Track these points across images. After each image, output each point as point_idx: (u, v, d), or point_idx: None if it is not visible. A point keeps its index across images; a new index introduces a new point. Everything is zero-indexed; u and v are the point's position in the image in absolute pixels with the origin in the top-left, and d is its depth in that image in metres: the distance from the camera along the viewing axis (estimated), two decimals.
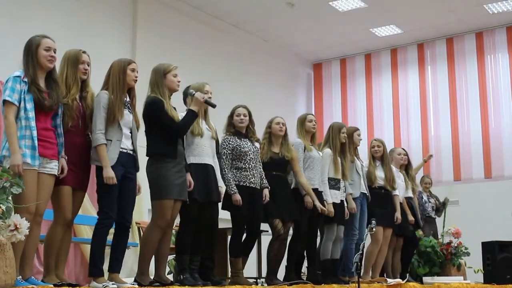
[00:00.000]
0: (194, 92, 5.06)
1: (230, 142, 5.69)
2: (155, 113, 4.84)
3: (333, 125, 6.84)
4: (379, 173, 7.28)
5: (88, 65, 4.56)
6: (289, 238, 6.17)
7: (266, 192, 5.84)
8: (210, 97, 5.36)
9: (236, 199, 5.51)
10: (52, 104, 4.15)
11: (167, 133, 4.86)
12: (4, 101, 4.03)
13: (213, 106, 5.19)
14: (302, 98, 14.02)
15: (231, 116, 5.80)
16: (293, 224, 6.19)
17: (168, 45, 10.45)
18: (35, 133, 4.02)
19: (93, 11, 9.53)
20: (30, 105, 4.04)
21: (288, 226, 6.09)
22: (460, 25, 12.23)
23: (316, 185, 6.32)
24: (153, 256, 5.09)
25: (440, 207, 9.59)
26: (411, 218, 7.72)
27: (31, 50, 4.16)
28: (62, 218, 4.37)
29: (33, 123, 4.02)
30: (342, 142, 6.69)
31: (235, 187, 5.55)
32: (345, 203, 6.73)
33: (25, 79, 4.08)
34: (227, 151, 5.65)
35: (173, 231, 5.38)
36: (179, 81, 5.05)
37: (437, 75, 12.89)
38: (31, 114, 4.03)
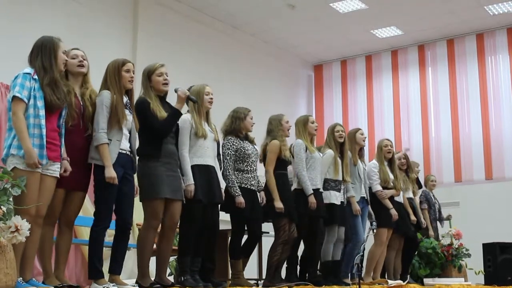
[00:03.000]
0: (178, 89, 5.01)
1: (234, 144, 5.68)
2: (140, 113, 4.79)
3: (329, 127, 6.85)
4: (390, 175, 7.30)
5: (84, 59, 4.50)
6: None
7: (262, 194, 5.85)
8: (211, 98, 5.35)
9: (240, 201, 5.51)
10: (60, 104, 4.12)
11: (151, 134, 4.83)
12: (13, 97, 3.96)
13: (194, 101, 5.11)
14: (302, 100, 14.02)
15: (241, 119, 5.77)
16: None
17: (168, 47, 10.45)
18: (44, 131, 3.97)
19: (93, 12, 9.53)
20: (41, 103, 3.98)
21: (294, 227, 6.06)
22: (460, 26, 12.23)
23: (318, 185, 6.31)
24: (155, 258, 5.10)
25: (442, 221, 9.51)
26: (413, 218, 7.72)
27: (53, 51, 4.11)
28: (50, 219, 4.32)
29: (43, 122, 3.97)
30: (340, 142, 6.67)
31: (238, 190, 5.55)
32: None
33: (35, 77, 4.02)
34: (231, 152, 5.64)
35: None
36: (165, 79, 4.98)
37: (437, 77, 12.88)
38: (42, 112, 3.98)
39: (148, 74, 4.97)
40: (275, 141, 6.01)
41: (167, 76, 5.00)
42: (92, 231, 4.52)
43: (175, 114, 4.91)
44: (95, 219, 4.52)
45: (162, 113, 4.87)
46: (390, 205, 7.13)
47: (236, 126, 5.75)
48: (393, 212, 7.12)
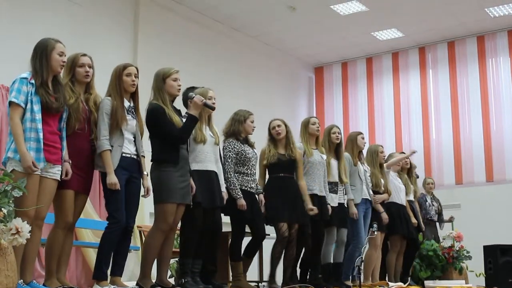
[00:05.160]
0: (193, 95, 5.04)
1: (235, 146, 5.69)
2: (156, 120, 4.82)
3: (325, 129, 6.83)
4: (381, 180, 7.31)
5: (90, 67, 4.55)
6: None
7: (261, 197, 5.86)
8: (214, 103, 5.35)
9: (241, 203, 5.52)
10: (59, 106, 4.16)
11: (168, 140, 4.85)
12: (10, 103, 4.02)
13: (212, 108, 5.15)
14: (303, 102, 14.02)
15: (241, 122, 5.77)
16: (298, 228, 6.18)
17: (169, 49, 10.46)
18: (41, 135, 4.01)
19: (94, 15, 9.54)
20: (37, 107, 4.03)
21: (295, 229, 6.06)
22: (461, 28, 12.24)
23: (316, 191, 6.28)
24: (156, 260, 5.10)
25: (442, 223, 9.51)
26: (414, 220, 7.72)
27: (45, 53, 4.14)
28: (63, 222, 4.38)
29: (39, 125, 4.01)
30: (336, 142, 6.65)
31: (240, 192, 5.56)
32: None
33: (32, 81, 4.07)
34: (232, 154, 5.65)
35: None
36: (179, 85, 5.01)
37: (438, 79, 12.88)
38: (38, 116, 4.02)
39: (164, 77, 4.96)
40: (262, 149, 6.10)
41: (180, 82, 5.03)
42: (104, 234, 4.58)
43: (193, 120, 4.91)
44: (108, 222, 4.56)
45: (176, 118, 4.88)
46: (381, 209, 7.15)
47: (235, 129, 5.76)
48: (384, 216, 7.15)
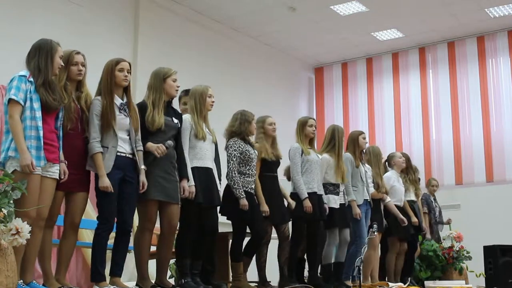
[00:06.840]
0: (168, 143, 4.84)
1: (240, 146, 5.68)
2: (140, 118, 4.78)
3: (338, 128, 6.75)
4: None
5: (83, 66, 4.50)
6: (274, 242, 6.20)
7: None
8: (213, 101, 5.36)
9: (243, 203, 5.51)
10: (57, 105, 4.14)
11: (148, 137, 4.81)
12: (10, 100, 3.97)
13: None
14: (303, 102, 14.02)
15: (249, 122, 5.75)
16: (292, 228, 6.18)
17: (169, 50, 10.46)
18: (41, 133, 3.98)
19: (94, 16, 9.54)
20: (37, 105, 3.99)
21: (284, 227, 6.14)
22: (461, 29, 12.24)
23: (315, 189, 6.27)
24: (155, 260, 5.10)
25: (441, 225, 9.52)
26: (414, 219, 7.70)
27: (50, 54, 4.12)
28: (49, 222, 4.32)
29: (40, 123, 3.98)
30: (341, 147, 6.67)
31: (243, 192, 5.55)
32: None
33: (31, 79, 4.04)
34: (237, 153, 5.64)
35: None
36: (178, 86, 5.02)
37: (438, 79, 12.88)
38: (38, 113, 3.99)
39: (164, 77, 4.95)
40: (256, 145, 6.00)
41: (178, 83, 5.04)
42: (95, 234, 4.54)
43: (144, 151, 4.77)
44: (98, 222, 4.54)
45: (159, 120, 4.82)
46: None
47: (244, 129, 5.74)
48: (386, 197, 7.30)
